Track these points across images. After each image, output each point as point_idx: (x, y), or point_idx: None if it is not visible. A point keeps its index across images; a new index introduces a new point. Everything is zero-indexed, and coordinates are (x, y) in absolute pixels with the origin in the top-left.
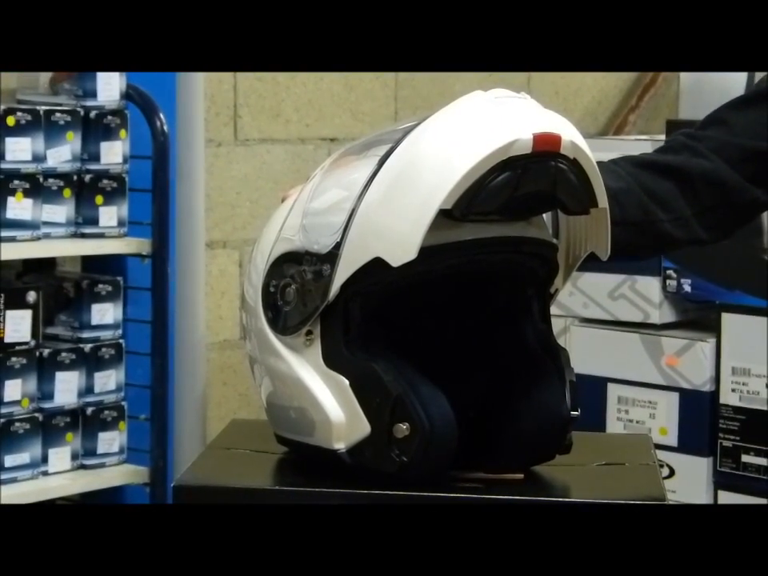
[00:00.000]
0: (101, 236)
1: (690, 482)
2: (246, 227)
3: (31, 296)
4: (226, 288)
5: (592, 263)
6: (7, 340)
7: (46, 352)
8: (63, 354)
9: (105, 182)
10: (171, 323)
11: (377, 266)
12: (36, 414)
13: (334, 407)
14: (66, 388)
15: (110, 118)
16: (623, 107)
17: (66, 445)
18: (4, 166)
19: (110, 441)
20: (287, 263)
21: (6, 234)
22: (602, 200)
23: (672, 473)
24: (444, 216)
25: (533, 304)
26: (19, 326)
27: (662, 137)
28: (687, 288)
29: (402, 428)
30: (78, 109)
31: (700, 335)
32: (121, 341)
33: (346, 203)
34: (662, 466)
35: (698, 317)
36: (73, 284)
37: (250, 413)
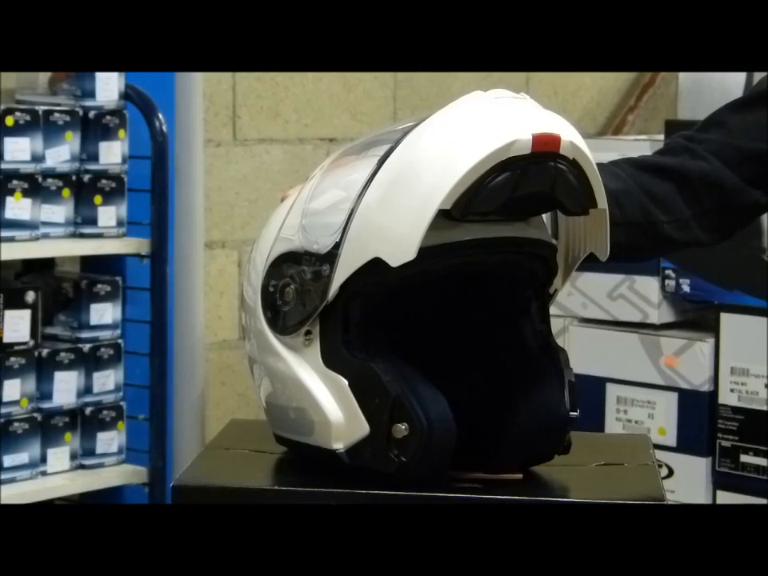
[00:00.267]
0: (100, 236)
1: (689, 482)
2: (244, 227)
3: (30, 296)
4: (225, 288)
5: (591, 263)
6: (6, 340)
7: (44, 352)
8: (62, 354)
9: (104, 182)
10: (170, 323)
11: (376, 266)
12: (35, 414)
13: (332, 407)
14: (65, 388)
15: (108, 118)
16: (622, 107)
17: (64, 445)
18: (3, 166)
19: (109, 441)
20: (286, 263)
21: (5, 234)
22: (601, 200)
23: (671, 473)
24: (443, 216)
25: (532, 304)
26: (18, 325)
27: (661, 137)
28: (686, 288)
29: (401, 428)
30: (77, 109)
31: (699, 335)
32: (120, 341)
33: (345, 203)
34: (660, 466)
35: (696, 317)
36: (72, 284)
37: (248, 413)
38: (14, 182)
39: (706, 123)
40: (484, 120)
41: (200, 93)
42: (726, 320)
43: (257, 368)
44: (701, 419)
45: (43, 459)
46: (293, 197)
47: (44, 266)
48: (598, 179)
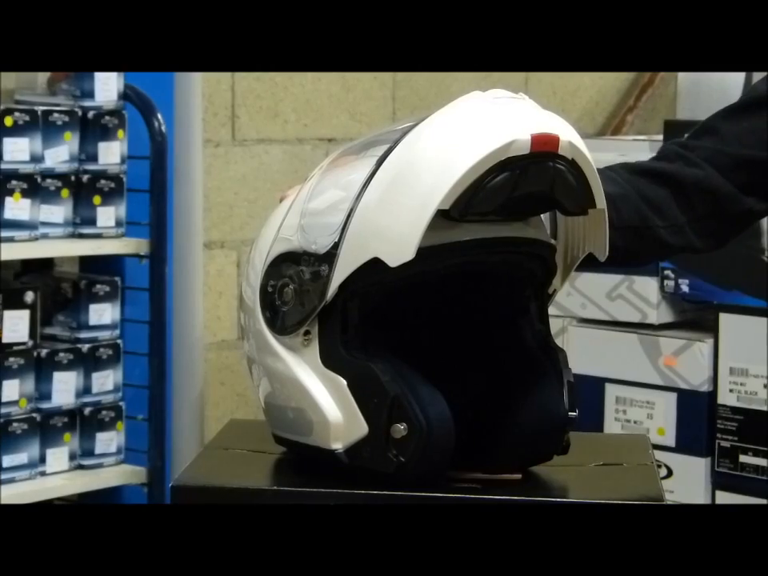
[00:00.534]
0: (99, 236)
1: (688, 482)
2: (243, 227)
3: (29, 296)
4: (224, 288)
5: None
6: (5, 340)
7: (43, 352)
8: (61, 355)
9: (103, 182)
10: (169, 323)
11: (375, 266)
12: (34, 415)
13: (331, 407)
14: (64, 388)
15: (107, 118)
16: (621, 107)
17: (63, 445)
18: (2, 166)
19: (108, 441)
20: (285, 263)
21: (4, 234)
22: (600, 200)
23: (670, 473)
24: (442, 216)
25: (531, 304)
26: (17, 326)
27: (660, 137)
28: (685, 288)
29: (400, 428)
30: (76, 109)
31: (698, 335)
32: (119, 341)
33: (344, 203)
34: (659, 467)
35: (695, 317)
36: (71, 284)
37: (247, 413)
38: (13, 182)
39: (698, 130)
40: (483, 120)
41: (199, 93)
42: (725, 320)
43: (255, 368)
44: (700, 419)
45: (42, 459)
46: (292, 197)
47: (43, 266)
48: (597, 179)
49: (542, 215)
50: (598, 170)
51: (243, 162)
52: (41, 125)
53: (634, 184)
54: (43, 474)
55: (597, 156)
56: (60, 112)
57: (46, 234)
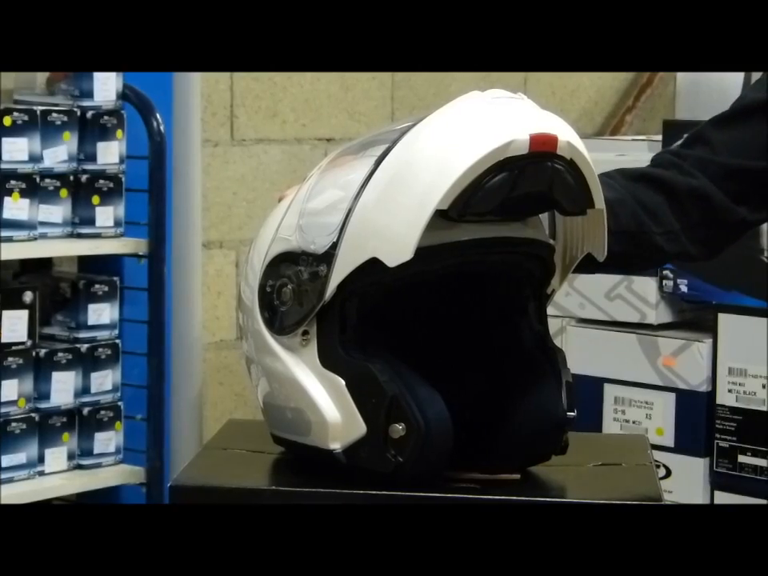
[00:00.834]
0: (97, 236)
1: (687, 482)
2: (242, 227)
3: (28, 296)
4: (223, 288)
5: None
6: (4, 340)
7: (42, 352)
8: (60, 354)
9: (101, 182)
10: (168, 323)
11: (373, 266)
12: (32, 414)
13: (330, 407)
14: (63, 388)
15: (106, 118)
16: (620, 107)
17: (62, 445)
18: (1, 166)
19: (107, 441)
20: (284, 263)
21: (2, 234)
22: (599, 201)
23: (668, 473)
24: (440, 216)
25: (529, 305)
26: (16, 326)
27: (659, 137)
28: (684, 288)
29: (398, 428)
30: (75, 109)
31: (697, 336)
32: (117, 341)
33: (342, 203)
34: (658, 467)
35: (694, 317)
36: (69, 284)
37: (246, 413)
38: (12, 182)
39: (690, 139)
40: (481, 120)
41: (197, 93)
42: (724, 320)
43: (254, 368)
44: (698, 420)
45: (41, 459)
46: (290, 197)
47: (42, 266)
48: (596, 179)
49: (540, 215)
50: None
51: (242, 161)
52: (39, 125)
53: (631, 190)
54: (42, 473)
55: (595, 156)
56: (59, 112)
57: (45, 234)
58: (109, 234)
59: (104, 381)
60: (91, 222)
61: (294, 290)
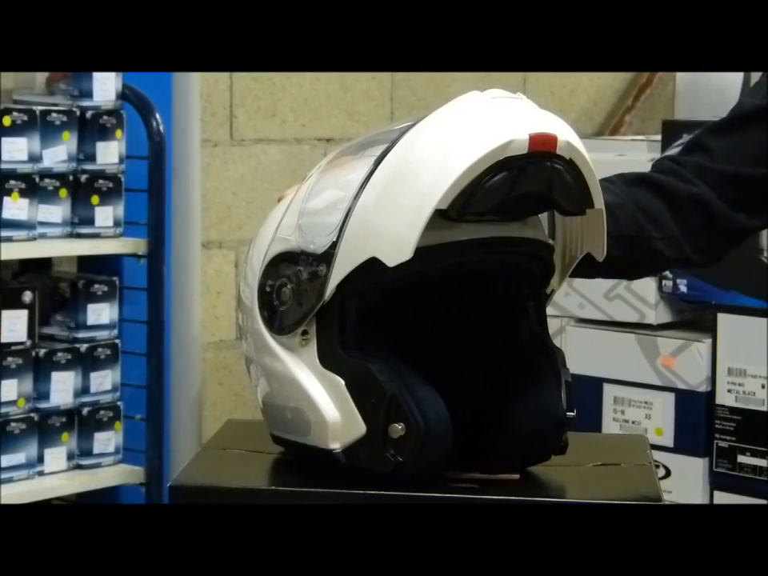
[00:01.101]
0: (97, 236)
1: (686, 482)
2: (241, 227)
3: (27, 296)
4: (222, 288)
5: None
6: (3, 340)
7: (41, 352)
8: (59, 354)
9: (101, 182)
10: (167, 323)
11: (372, 266)
12: (32, 414)
13: (329, 407)
14: (62, 388)
15: (105, 118)
16: (619, 108)
17: (61, 445)
18: (0, 166)
19: (106, 441)
20: (283, 263)
21: (2, 234)
22: (598, 200)
23: (668, 473)
24: (440, 216)
25: (529, 304)
26: (15, 325)
27: (658, 137)
28: (683, 288)
29: (398, 428)
30: (74, 109)
31: (696, 336)
32: (117, 341)
33: (341, 203)
34: (657, 467)
35: (694, 317)
36: (69, 284)
37: (245, 413)
38: (12, 182)
39: (689, 145)
40: (481, 120)
41: (197, 93)
42: (724, 320)
43: (254, 368)
44: (698, 420)
45: (40, 459)
46: (289, 197)
47: (41, 266)
48: (595, 179)
49: (540, 215)
50: None
51: (241, 161)
52: (39, 125)
53: (631, 194)
54: (41, 473)
55: (595, 156)
56: (58, 112)
57: (44, 234)
58: (108, 233)
59: (103, 381)
60: (90, 221)
61: (294, 290)
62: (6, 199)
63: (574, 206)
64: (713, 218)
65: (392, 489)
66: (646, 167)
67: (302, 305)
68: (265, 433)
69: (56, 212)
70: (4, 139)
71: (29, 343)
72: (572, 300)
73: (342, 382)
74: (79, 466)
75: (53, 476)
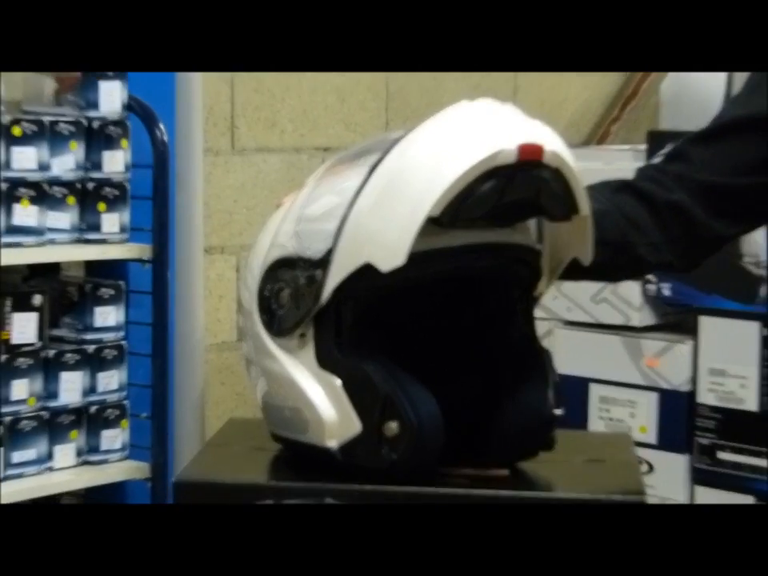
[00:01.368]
0: (103, 242)
1: (669, 477)
2: (242, 233)
3: (37, 299)
4: (224, 292)
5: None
6: (14, 342)
7: (51, 353)
8: (68, 355)
9: (107, 189)
10: (171, 325)
11: (367, 271)
12: (42, 413)
13: (326, 406)
14: (71, 387)
15: (111, 128)
16: (606, 118)
17: (70, 442)
18: (10, 174)
19: (113, 438)
20: (282, 268)
21: (12, 239)
22: (584, 207)
23: (651, 469)
24: (432, 223)
25: (518, 307)
26: (25, 328)
27: (644, 146)
28: (667, 292)
29: (392, 426)
30: (82, 119)
31: (679, 337)
32: (123, 342)
33: (337, 210)
34: (641, 463)
35: (676, 320)
36: (77, 288)
37: (246, 412)
38: (21, 189)
39: (671, 155)
40: (471, 130)
41: (200, 104)
42: (705, 323)
43: (253, 369)
44: (680, 418)
45: (50, 456)
46: (288, 204)
47: (50, 270)
48: (581, 187)
49: (528, 221)
50: None
51: (242, 170)
52: (48, 134)
53: (615, 201)
54: (51, 469)
55: (583, 165)
56: (66, 122)
57: (53, 240)
58: (114, 239)
59: (110, 380)
60: (97, 228)
61: (292, 294)
62: (16, 206)
63: (561, 212)
64: (692, 226)
65: (387, 485)
66: (631, 175)
67: (300, 308)
68: (265, 431)
69: (64, 219)
70: (14, 148)
71: (39, 345)
72: (560, 303)
73: (339, 383)
74: (87, 462)
75: (62, 472)
